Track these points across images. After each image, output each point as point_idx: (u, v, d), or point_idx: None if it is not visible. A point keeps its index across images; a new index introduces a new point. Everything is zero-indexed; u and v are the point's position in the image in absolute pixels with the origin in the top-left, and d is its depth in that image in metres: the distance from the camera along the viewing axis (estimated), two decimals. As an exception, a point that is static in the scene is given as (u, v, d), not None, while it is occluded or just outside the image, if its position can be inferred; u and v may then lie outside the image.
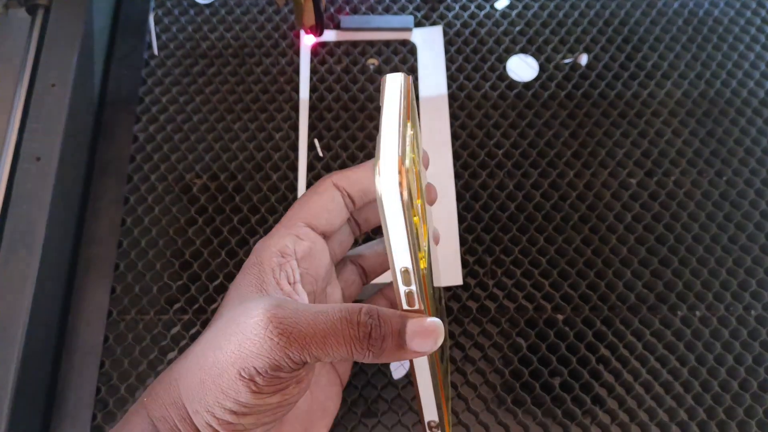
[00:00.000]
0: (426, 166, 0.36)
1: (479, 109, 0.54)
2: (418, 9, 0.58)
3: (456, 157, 0.52)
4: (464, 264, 0.49)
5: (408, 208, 0.27)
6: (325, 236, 0.36)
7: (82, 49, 0.52)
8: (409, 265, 0.29)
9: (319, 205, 0.35)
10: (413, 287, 0.30)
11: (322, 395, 0.37)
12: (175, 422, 0.31)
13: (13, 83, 0.52)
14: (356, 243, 0.49)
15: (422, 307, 0.31)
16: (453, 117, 0.54)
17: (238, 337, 0.30)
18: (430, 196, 0.36)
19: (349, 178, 0.36)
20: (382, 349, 0.29)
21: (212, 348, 0.31)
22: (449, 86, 0.55)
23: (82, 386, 0.46)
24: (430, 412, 0.35)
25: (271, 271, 0.33)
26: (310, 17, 0.52)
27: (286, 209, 0.49)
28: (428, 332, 0.30)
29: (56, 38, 0.52)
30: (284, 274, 0.33)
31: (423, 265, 0.30)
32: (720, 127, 0.53)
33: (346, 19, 0.57)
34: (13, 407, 0.42)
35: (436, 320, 0.30)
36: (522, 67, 0.56)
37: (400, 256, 0.29)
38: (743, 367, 0.46)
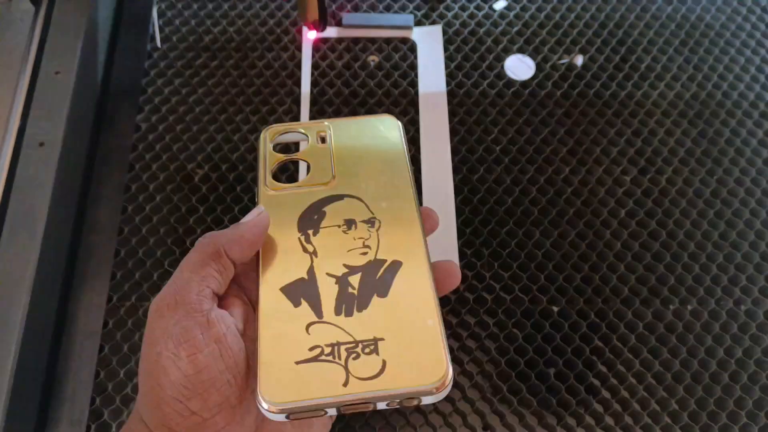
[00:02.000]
0: (432, 226, 0.37)
1: (477, 107, 0.55)
2: (418, 8, 0.59)
3: (454, 152, 0.53)
4: (462, 256, 0.50)
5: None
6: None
7: (86, 39, 0.53)
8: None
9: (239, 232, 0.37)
10: None
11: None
12: None
13: (17, 70, 0.52)
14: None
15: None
16: (451, 113, 0.55)
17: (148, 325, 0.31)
18: (430, 221, 0.37)
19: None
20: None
21: (142, 356, 0.31)
22: (448, 83, 0.56)
23: (82, 370, 0.46)
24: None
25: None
26: (313, 13, 0.53)
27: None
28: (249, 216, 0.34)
29: (61, 27, 0.53)
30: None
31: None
32: (711, 128, 0.55)
33: (347, 16, 0.58)
34: (13, 389, 0.42)
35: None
36: (519, 67, 0.57)
37: None
38: (734, 360, 0.47)
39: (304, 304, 0.33)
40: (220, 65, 0.57)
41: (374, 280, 0.33)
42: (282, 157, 0.37)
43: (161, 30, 0.58)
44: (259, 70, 0.56)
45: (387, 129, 0.38)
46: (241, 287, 0.35)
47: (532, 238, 0.51)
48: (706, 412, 0.46)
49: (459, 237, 0.50)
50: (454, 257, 0.50)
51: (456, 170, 0.53)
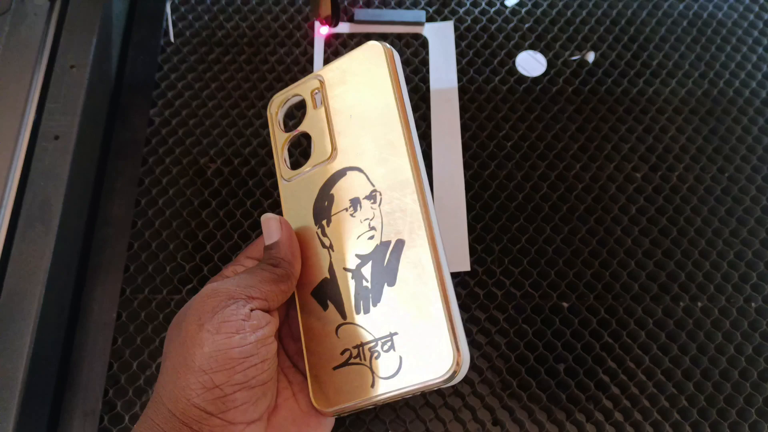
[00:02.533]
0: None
1: (489, 103, 0.55)
2: (430, 4, 0.59)
3: (465, 148, 0.54)
4: (472, 251, 0.50)
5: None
6: None
7: (100, 34, 0.53)
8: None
9: (262, 242, 0.38)
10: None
11: (308, 407, 0.36)
12: (161, 428, 0.31)
13: (32, 64, 0.52)
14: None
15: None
16: (463, 109, 0.55)
17: (191, 304, 0.33)
18: None
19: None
20: (273, 257, 0.35)
21: (174, 344, 0.33)
22: (459, 79, 0.56)
23: (95, 361, 0.47)
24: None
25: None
26: (326, 8, 0.54)
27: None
28: (267, 229, 0.36)
29: (76, 22, 0.53)
30: None
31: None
32: (723, 125, 0.55)
33: (360, 12, 0.58)
34: (28, 379, 0.43)
35: (265, 217, 0.36)
36: (531, 63, 0.57)
37: None
38: (743, 357, 0.47)
39: (331, 306, 0.35)
40: (232, 60, 0.57)
41: (382, 268, 0.34)
42: (287, 135, 0.38)
43: (174, 25, 0.58)
44: (271, 65, 0.57)
45: (375, 65, 0.36)
46: None
47: (542, 234, 0.51)
48: (715, 409, 0.46)
49: (469, 232, 0.51)
50: (465, 252, 0.50)
51: (467, 166, 0.53)
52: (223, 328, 0.31)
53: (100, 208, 0.51)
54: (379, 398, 0.32)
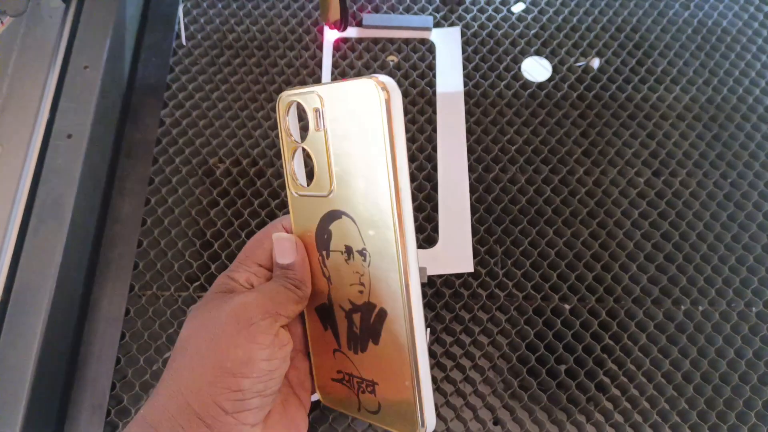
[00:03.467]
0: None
1: (494, 107, 0.56)
2: (437, 10, 0.60)
3: (470, 151, 0.54)
4: (475, 253, 0.51)
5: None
6: None
7: (114, 36, 0.55)
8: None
9: (268, 246, 0.38)
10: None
11: (292, 413, 0.39)
12: (172, 416, 0.32)
13: (47, 64, 0.54)
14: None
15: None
16: (468, 113, 0.56)
17: (227, 309, 0.34)
18: None
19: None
20: (289, 279, 0.36)
21: (202, 332, 0.34)
22: (465, 84, 0.57)
23: (103, 356, 0.48)
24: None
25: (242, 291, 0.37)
26: (335, 13, 0.54)
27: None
28: (280, 248, 0.36)
29: (90, 24, 0.55)
30: None
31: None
32: (726, 132, 0.55)
33: (368, 17, 0.59)
34: (37, 373, 0.44)
35: (278, 236, 0.36)
36: (536, 69, 0.58)
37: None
38: (744, 361, 0.48)
39: (329, 331, 0.37)
40: (242, 63, 0.58)
41: (369, 324, 0.35)
42: (294, 145, 0.35)
43: (186, 28, 0.59)
44: (280, 68, 0.58)
45: (368, 106, 0.31)
46: None
47: (545, 237, 0.51)
48: (715, 412, 0.46)
49: (473, 234, 0.51)
50: (468, 254, 0.50)
51: (471, 169, 0.54)
52: (259, 339, 0.33)
53: (111, 206, 0.52)
54: (364, 421, 0.37)
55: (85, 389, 0.47)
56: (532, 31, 0.59)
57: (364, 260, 0.34)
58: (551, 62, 0.58)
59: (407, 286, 0.32)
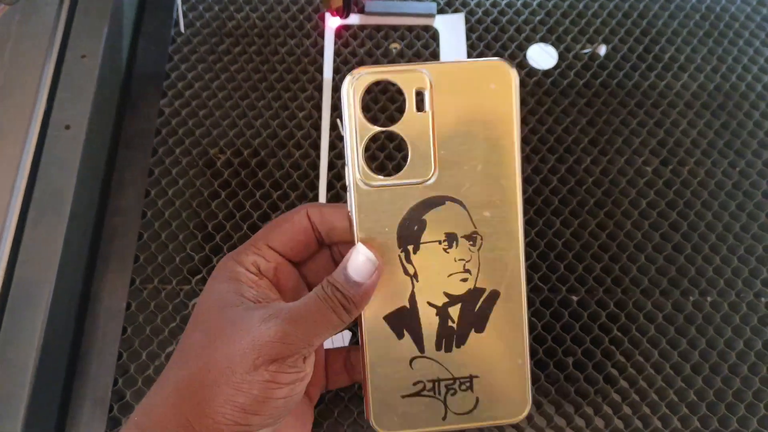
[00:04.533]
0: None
1: (499, 95, 0.55)
2: (440, -4, 0.59)
3: (475, 140, 0.53)
4: (481, 244, 0.50)
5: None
6: (293, 262, 0.37)
7: (111, 24, 0.54)
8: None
9: (290, 234, 0.36)
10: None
11: (300, 409, 0.38)
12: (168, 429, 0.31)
13: (43, 54, 0.52)
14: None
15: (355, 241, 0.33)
16: (473, 102, 0.55)
17: (246, 334, 0.31)
18: None
19: (323, 214, 0.36)
20: (346, 300, 0.32)
21: (213, 351, 0.31)
22: (470, 72, 0.56)
23: (104, 351, 0.47)
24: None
25: (248, 280, 0.34)
26: (337, 0, 0.53)
27: (307, 186, 0.51)
28: (359, 263, 0.32)
29: (87, 11, 0.53)
30: (258, 287, 0.34)
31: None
32: (734, 120, 0.54)
33: (370, 4, 0.58)
34: (38, 368, 0.43)
35: (364, 251, 0.32)
36: (542, 56, 0.57)
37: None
38: (753, 352, 0.47)
39: (407, 336, 0.34)
40: (242, 51, 0.57)
41: (472, 313, 0.33)
42: (376, 129, 0.32)
43: (185, 15, 0.58)
44: (281, 56, 0.57)
45: (498, 86, 0.32)
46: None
47: (552, 228, 0.51)
48: (724, 404, 0.46)
49: (479, 225, 0.51)
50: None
51: (477, 159, 0.53)
52: (279, 378, 0.30)
53: (110, 198, 0.52)
54: (448, 429, 0.34)
55: (86, 384, 0.47)
56: (538, 18, 0.58)
57: (473, 244, 0.33)
58: (557, 49, 0.57)
59: (524, 261, 0.33)
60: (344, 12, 0.54)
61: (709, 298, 0.49)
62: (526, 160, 0.53)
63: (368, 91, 0.33)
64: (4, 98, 0.51)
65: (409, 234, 0.33)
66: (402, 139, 0.32)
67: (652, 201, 0.52)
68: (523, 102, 0.55)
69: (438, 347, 0.34)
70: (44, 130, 0.49)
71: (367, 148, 0.32)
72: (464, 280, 0.33)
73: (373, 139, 0.33)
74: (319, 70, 0.56)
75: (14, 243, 0.47)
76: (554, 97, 0.55)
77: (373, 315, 0.33)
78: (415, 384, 0.34)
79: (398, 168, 0.33)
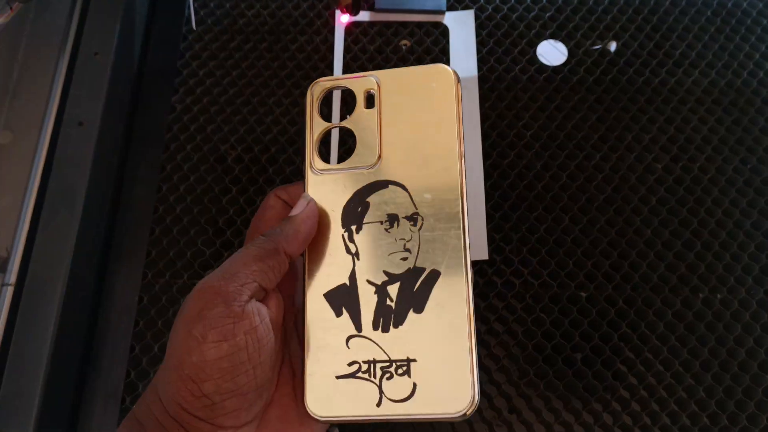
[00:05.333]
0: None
1: (509, 92, 0.55)
2: (450, -7, 0.59)
3: (485, 137, 0.54)
4: (490, 240, 0.50)
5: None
6: None
7: (123, 21, 0.54)
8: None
9: (272, 215, 0.37)
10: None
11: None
12: (156, 417, 0.31)
13: (57, 51, 0.53)
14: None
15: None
16: (483, 98, 0.55)
17: (178, 325, 0.31)
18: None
19: (289, 191, 0.37)
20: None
21: (170, 347, 0.32)
22: (479, 68, 0.56)
23: (117, 344, 0.48)
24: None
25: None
26: (347, -4, 0.54)
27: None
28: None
29: (100, 9, 0.54)
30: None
31: None
32: (746, 116, 0.54)
33: (380, 0, 0.58)
34: (51, 361, 0.44)
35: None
36: (552, 52, 0.57)
37: None
38: (763, 349, 0.47)
39: (345, 314, 0.34)
40: (253, 48, 0.57)
41: (411, 293, 0.33)
42: (327, 125, 0.36)
43: (196, 13, 0.58)
44: (291, 53, 0.57)
45: (441, 85, 0.35)
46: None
47: (561, 224, 0.51)
48: (734, 401, 0.46)
49: (488, 221, 0.51)
50: (483, 241, 0.50)
51: (486, 155, 0.53)
52: (210, 336, 0.30)
53: (123, 194, 0.52)
54: (382, 418, 0.32)
55: (99, 377, 0.47)
56: (548, 14, 0.58)
57: (414, 224, 0.34)
58: (567, 46, 0.57)
59: (466, 241, 0.34)
60: (354, 9, 0.55)
61: (719, 295, 0.49)
62: (534, 156, 0.53)
63: (327, 96, 0.37)
64: (18, 95, 0.52)
65: (353, 215, 0.34)
66: (349, 132, 0.36)
67: (662, 198, 0.52)
68: (533, 99, 0.55)
69: (375, 326, 0.33)
70: (58, 127, 0.50)
71: (321, 142, 0.36)
72: (404, 259, 0.34)
73: (329, 134, 0.36)
74: (329, 66, 0.56)
75: (28, 238, 0.47)
76: (564, 94, 0.55)
77: (314, 292, 0.34)
78: (350, 364, 0.33)
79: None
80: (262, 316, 0.32)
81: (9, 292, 0.46)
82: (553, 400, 0.46)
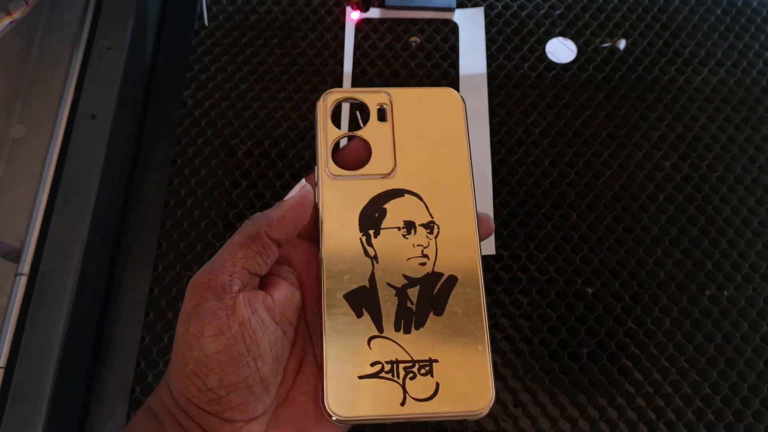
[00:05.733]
0: (487, 232, 0.37)
1: (518, 89, 0.56)
2: (460, -10, 0.60)
3: (493, 133, 0.54)
4: (498, 236, 0.51)
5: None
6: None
7: (137, 17, 0.55)
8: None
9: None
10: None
11: (307, 380, 0.36)
12: (169, 410, 0.32)
13: (71, 46, 0.54)
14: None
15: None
16: (492, 95, 0.55)
17: (179, 320, 0.32)
18: (485, 227, 0.37)
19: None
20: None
21: (175, 343, 0.32)
22: (489, 65, 0.56)
23: (128, 334, 0.48)
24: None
25: None
26: (357, -7, 0.54)
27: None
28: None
29: (113, 5, 0.55)
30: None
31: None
32: (755, 115, 0.54)
33: (390, -3, 0.58)
34: (63, 351, 0.45)
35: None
36: (561, 50, 0.57)
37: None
38: (769, 346, 0.47)
39: (366, 315, 0.34)
40: (264, 44, 0.58)
41: (431, 296, 0.34)
42: (342, 133, 0.37)
43: (209, 9, 0.59)
44: (302, 49, 0.58)
45: (450, 108, 0.38)
46: (290, 266, 0.36)
47: (568, 220, 0.51)
48: (739, 398, 0.46)
49: (496, 217, 0.51)
50: (490, 237, 0.50)
51: (495, 151, 0.53)
52: (206, 330, 0.30)
53: (135, 187, 0.53)
54: (407, 417, 0.33)
55: (110, 366, 0.48)
56: (557, 11, 0.58)
57: (430, 232, 0.35)
58: (576, 43, 0.57)
59: (480, 250, 0.35)
60: (364, 6, 0.55)
61: (726, 293, 0.49)
62: (542, 153, 0.53)
63: (337, 106, 0.37)
64: (33, 89, 0.53)
65: (371, 220, 0.35)
66: (364, 142, 0.36)
67: (670, 195, 0.52)
68: (542, 96, 0.55)
69: (397, 328, 0.34)
70: (71, 120, 0.51)
71: (334, 149, 0.36)
72: (422, 264, 0.34)
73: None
74: (340, 63, 0.57)
75: (41, 229, 0.48)
76: (573, 91, 0.55)
77: (333, 294, 0.34)
78: (373, 365, 0.33)
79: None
80: (254, 307, 0.32)
81: (22, 282, 0.47)
82: (559, 394, 0.47)
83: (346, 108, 0.55)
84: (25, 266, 0.48)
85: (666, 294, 0.49)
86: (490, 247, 0.50)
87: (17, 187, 0.51)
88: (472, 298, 0.34)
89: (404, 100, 0.37)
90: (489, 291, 0.49)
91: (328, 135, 0.36)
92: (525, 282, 0.49)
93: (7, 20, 0.48)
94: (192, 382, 0.30)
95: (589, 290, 0.49)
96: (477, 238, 0.35)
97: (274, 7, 0.59)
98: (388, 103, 0.37)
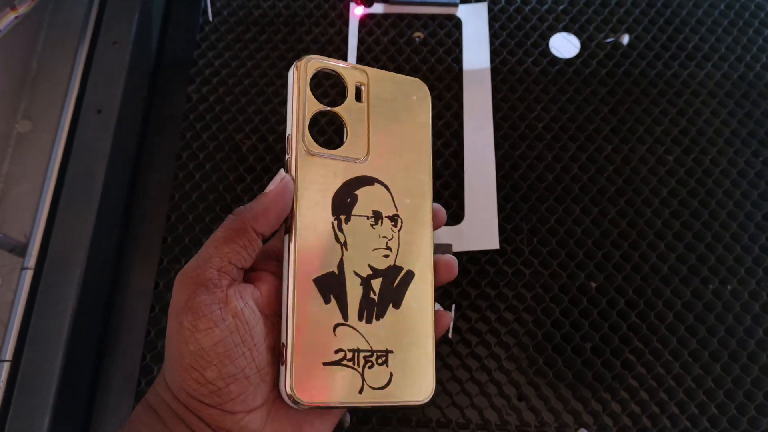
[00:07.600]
0: (438, 224, 0.39)
1: (521, 84, 0.56)
2: (464, -15, 0.60)
3: (497, 128, 0.54)
4: (501, 230, 0.51)
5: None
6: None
7: (142, 11, 0.55)
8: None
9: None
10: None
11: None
12: (168, 404, 0.32)
13: (76, 40, 0.54)
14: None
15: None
16: (495, 90, 0.55)
17: (171, 315, 0.33)
18: (437, 218, 0.38)
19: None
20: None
21: (168, 338, 0.32)
22: (492, 60, 0.57)
23: (133, 328, 0.49)
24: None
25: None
26: (361, -12, 0.54)
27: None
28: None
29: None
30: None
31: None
32: (758, 109, 0.54)
33: (394, -7, 0.59)
34: (69, 344, 0.45)
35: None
36: (564, 45, 0.57)
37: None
38: (772, 340, 0.47)
39: (333, 302, 0.34)
40: (268, 39, 0.58)
41: (391, 288, 0.36)
42: (321, 106, 0.35)
43: (213, 4, 0.59)
44: (306, 44, 0.58)
45: (419, 100, 0.38)
46: (274, 259, 0.36)
47: (572, 215, 0.51)
48: (743, 391, 0.46)
49: (499, 212, 0.51)
50: (494, 231, 0.50)
51: (498, 146, 0.53)
52: (200, 324, 0.31)
53: (140, 181, 0.53)
54: (363, 404, 0.34)
55: (116, 360, 0.48)
56: (561, 7, 0.59)
57: (395, 225, 0.36)
58: (580, 38, 0.57)
59: (432, 248, 0.37)
60: (368, 0, 0.55)
61: (729, 286, 0.49)
62: (546, 147, 0.53)
63: (314, 77, 0.35)
64: (39, 83, 0.53)
65: (342, 205, 0.35)
66: (342, 122, 0.36)
67: (674, 189, 0.52)
68: (545, 91, 0.55)
69: (360, 317, 0.35)
70: (77, 114, 0.51)
71: (312, 124, 0.35)
72: (386, 256, 0.36)
73: (315, 120, 0.35)
74: (344, 58, 0.57)
75: (47, 223, 0.48)
76: (576, 86, 0.55)
77: (304, 276, 0.34)
78: (336, 352, 0.34)
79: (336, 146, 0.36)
80: (245, 299, 0.32)
81: (28, 276, 0.47)
82: (562, 388, 0.47)
83: None
84: (31, 260, 0.48)
85: (669, 288, 0.49)
86: (493, 241, 0.50)
87: (23, 182, 0.51)
88: (424, 293, 0.36)
89: (379, 83, 0.37)
90: (492, 285, 0.49)
91: (307, 107, 0.35)
92: (528, 276, 0.49)
93: (12, 15, 0.49)
94: (191, 375, 0.31)
95: (593, 284, 0.49)
96: (432, 235, 0.37)
97: (277, 2, 0.59)
98: (365, 83, 0.37)
